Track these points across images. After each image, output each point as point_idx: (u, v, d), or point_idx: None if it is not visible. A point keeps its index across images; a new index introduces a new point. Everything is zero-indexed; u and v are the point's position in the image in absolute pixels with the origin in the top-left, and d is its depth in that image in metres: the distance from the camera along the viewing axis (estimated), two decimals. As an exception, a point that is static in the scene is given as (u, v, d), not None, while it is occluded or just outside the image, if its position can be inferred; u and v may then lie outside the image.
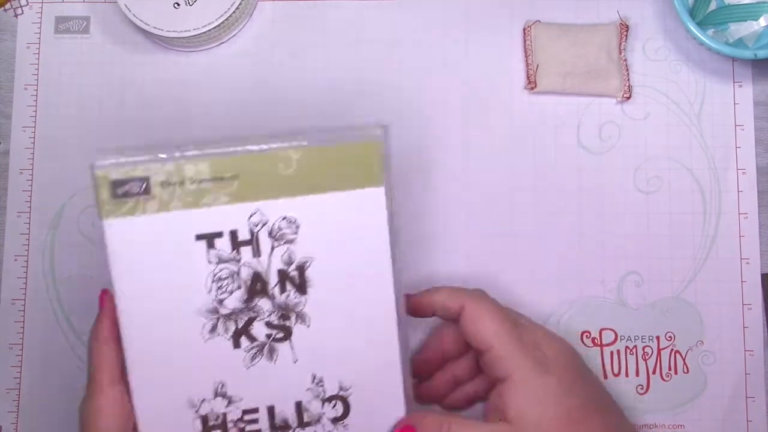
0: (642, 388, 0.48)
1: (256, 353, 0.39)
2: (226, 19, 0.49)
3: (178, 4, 0.49)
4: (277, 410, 0.40)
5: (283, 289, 0.39)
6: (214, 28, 0.49)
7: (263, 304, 0.39)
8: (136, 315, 0.38)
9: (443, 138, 0.50)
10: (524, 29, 0.51)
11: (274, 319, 0.39)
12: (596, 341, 0.49)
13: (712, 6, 0.50)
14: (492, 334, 0.41)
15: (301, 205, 0.38)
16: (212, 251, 0.38)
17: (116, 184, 0.37)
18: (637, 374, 0.48)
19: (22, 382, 0.50)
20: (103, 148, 0.38)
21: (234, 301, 0.39)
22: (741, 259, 0.49)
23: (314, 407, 0.40)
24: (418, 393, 0.47)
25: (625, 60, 0.50)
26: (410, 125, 0.51)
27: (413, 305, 0.45)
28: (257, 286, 0.39)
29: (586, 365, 0.44)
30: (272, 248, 0.39)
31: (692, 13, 0.50)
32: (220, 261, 0.38)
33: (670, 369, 0.48)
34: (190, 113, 0.51)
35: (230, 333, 0.39)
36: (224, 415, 0.39)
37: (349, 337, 0.40)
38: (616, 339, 0.49)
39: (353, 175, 0.39)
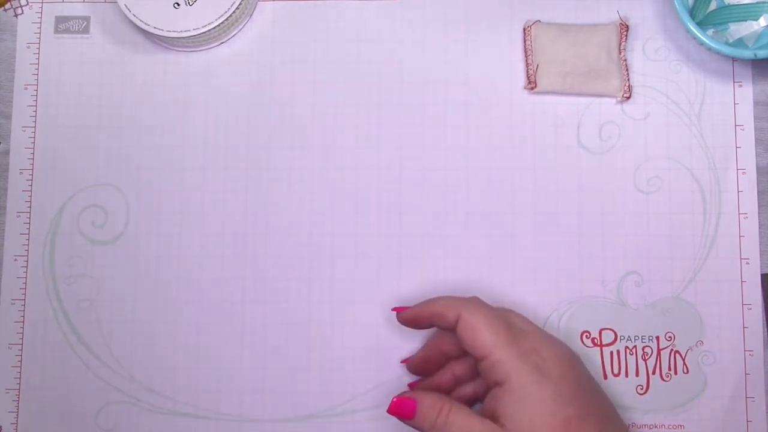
0: (642, 388, 0.48)
1: None
2: (226, 19, 0.49)
3: (178, 4, 0.49)
4: None
5: None
6: (214, 28, 0.49)
7: None
8: None
9: (443, 138, 0.50)
10: (524, 29, 0.51)
11: None
12: (596, 341, 0.49)
13: (712, 6, 0.50)
14: (488, 342, 0.41)
15: None
16: None
17: None
18: (637, 374, 0.48)
19: (22, 382, 0.50)
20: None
21: None
22: (741, 259, 0.49)
23: None
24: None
25: (625, 60, 0.50)
26: (410, 125, 0.51)
27: (412, 318, 0.45)
28: None
29: (586, 370, 0.44)
30: None
31: (692, 13, 0.50)
32: None
33: (670, 369, 0.48)
34: (190, 113, 0.51)
35: None
36: None
37: None
38: (616, 339, 0.49)
39: None
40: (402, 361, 0.48)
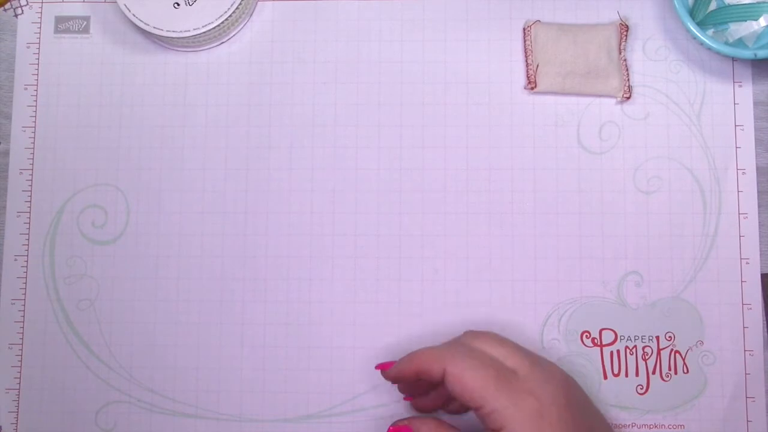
0: (642, 388, 0.48)
1: None
2: (226, 19, 0.49)
3: (178, 4, 0.49)
4: None
5: None
6: (214, 28, 0.49)
7: None
8: None
9: (443, 138, 0.50)
10: (524, 29, 0.51)
11: None
12: (596, 341, 0.49)
13: (712, 6, 0.50)
14: (479, 394, 0.40)
15: None
16: None
17: None
18: (637, 374, 0.48)
19: (22, 382, 0.50)
20: None
21: None
22: (741, 259, 0.49)
23: None
24: (416, 406, 0.47)
25: (625, 60, 0.50)
26: (410, 125, 0.51)
27: (396, 376, 0.44)
28: None
29: (584, 396, 0.43)
30: None
31: (692, 13, 0.50)
32: None
33: (670, 369, 0.48)
34: (190, 113, 0.51)
35: None
36: None
37: None
38: (616, 339, 0.49)
39: None
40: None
